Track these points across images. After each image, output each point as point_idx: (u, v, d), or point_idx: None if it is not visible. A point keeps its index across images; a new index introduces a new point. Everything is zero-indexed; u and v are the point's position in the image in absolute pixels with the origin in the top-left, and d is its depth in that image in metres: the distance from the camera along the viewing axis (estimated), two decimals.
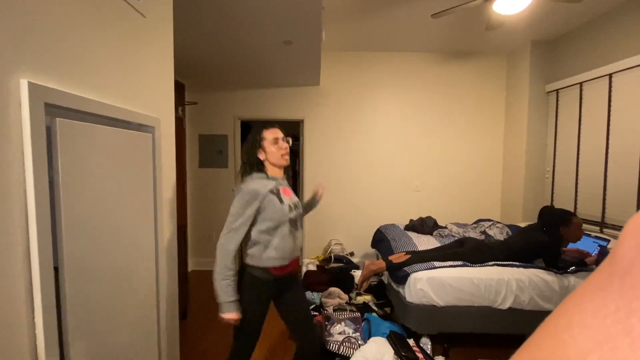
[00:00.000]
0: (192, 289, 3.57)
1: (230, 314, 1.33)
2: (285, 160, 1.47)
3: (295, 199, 1.53)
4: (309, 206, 1.78)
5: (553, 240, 2.39)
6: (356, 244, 4.05)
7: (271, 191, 1.39)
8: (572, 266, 2.38)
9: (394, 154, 4.10)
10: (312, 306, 2.72)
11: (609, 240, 2.65)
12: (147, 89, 1.21)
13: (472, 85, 4.05)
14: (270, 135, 1.45)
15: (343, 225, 4.12)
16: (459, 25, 3.21)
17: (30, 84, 0.71)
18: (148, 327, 1.26)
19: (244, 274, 1.45)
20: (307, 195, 4.02)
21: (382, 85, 4.05)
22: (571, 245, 2.57)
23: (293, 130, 4.50)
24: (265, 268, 1.42)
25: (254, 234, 1.40)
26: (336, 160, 4.10)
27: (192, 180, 4.14)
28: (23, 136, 0.71)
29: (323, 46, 3.37)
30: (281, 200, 1.41)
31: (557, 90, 3.48)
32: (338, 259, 3.69)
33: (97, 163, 0.96)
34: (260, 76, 3.67)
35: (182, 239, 3.24)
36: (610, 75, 2.87)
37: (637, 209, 2.63)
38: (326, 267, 3.51)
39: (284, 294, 1.54)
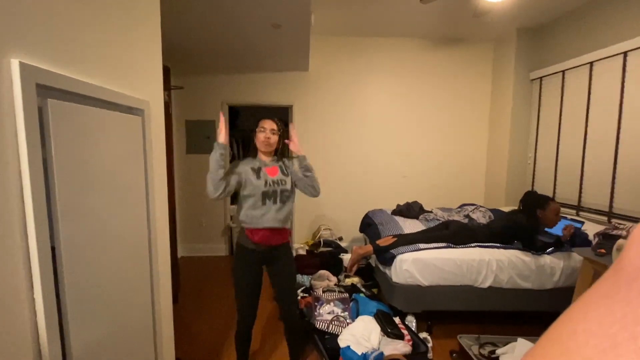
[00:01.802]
0: (182, 274, 3.60)
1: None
2: (264, 147, 1.76)
3: (279, 177, 1.75)
4: (303, 170, 1.80)
5: (529, 223, 2.51)
6: (345, 228, 4.13)
7: (252, 168, 1.72)
8: (550, 247, 2.52)
9: (383, 141, 4.15)
10: (302, 288, 2.79)
11: (583, 222, 2.80)
12: (137, 72, 1.19)
13: (460, 72, 4.10)
14: (261, 124, 1.77)
15: (332, 211, 4.18)
16: (447, 12, 3.23)
17: (22, 64, 0.71)
18: (144, 308, 1.29)
19: (236, 243, 1.79)
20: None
21: (371, 71, 4.06)
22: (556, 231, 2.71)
23: (282, 116, 4.48)
24: (244, 232, 1.72)
25: (239, 199, 1.75)
26: (325, 146, 4.12)
27: (180, 167, 4.10)
28: (16, 117, 0.71)
29: (312, 30, 3.33)
30: (259, 176, 1.71)
31: (540, 78, 3.56)
32: (327, 243, 3.76)
33: (89, 145, 0.96)
34: (248, 60, 3.61)
35: (171, 224, 3.24)
36: (591, 64, 2.96)
37: (611, 194, 2.78)
38: (315, 251, 3.59)
39: (272, 264, 1.79)
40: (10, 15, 0.71)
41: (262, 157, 1.79)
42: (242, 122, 5.05)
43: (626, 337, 0.15)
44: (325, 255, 3.35)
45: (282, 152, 1.83)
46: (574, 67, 3.14)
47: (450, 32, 3.81)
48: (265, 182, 1.69)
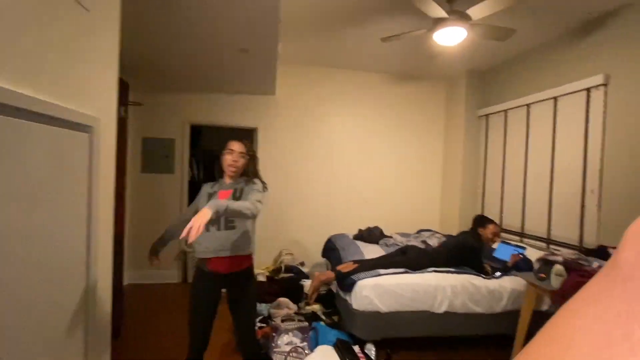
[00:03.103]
0: (128, 304, 3.28)
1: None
2: (230, 171, 1.70)
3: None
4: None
5: (473, 240, 2.80)
6: (307, 253, 4.07)
7: (208, 193, 1.68)
8: (497, 271, 2.68)
9: (346, 166, 4.25)
10: (260, 317, 2.66)
11: (525, 248, 3.03)
12: (87, 86, 1.12)
13: (417, 105, 4.40)
14: (229, 146, 1.73)
15: (294, 235, 4.13)
16: (406, 51, 3.49)
17: None
18: (74, 347, 1.14)
19: (196, 264, 1.72)
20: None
21: (335, 100, 4.21)
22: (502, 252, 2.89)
23: (246, 138, 4.44)
24: (202, 259, 1.65)
25: None
26: (288, 170, 4.13)
27: (133, 186, 3.85)
28: None
29: (280, 57, 3.42)
30: (207, 201, 1.61)
31: (487, 116, 3.93)
32: (288, 269, 3.67)
33: (23, 162, 0.87)
34: (214, 81, 3.59)
35: (118, 249, 2.98)
36: (528, 105, 3.34)
37: (548, 222, 3.06)
38: (276, 277, 3.48)
39: (231, 289, 1.71)
40: None
41: (227, 179, 1.73)
42: (205, 142, 4.91)
43: (621, 335, 0.15)
44: (286, 282, 3.26)
45: (252, 173, 1.74)
46: (514, 108, 3.50)
47: (408, 69, 4.11)
48: None
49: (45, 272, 0.98)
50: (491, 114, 3.84)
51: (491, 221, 2.89)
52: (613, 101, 2.53)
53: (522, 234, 3.35)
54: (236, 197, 1.65)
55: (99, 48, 1.23)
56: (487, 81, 3.99)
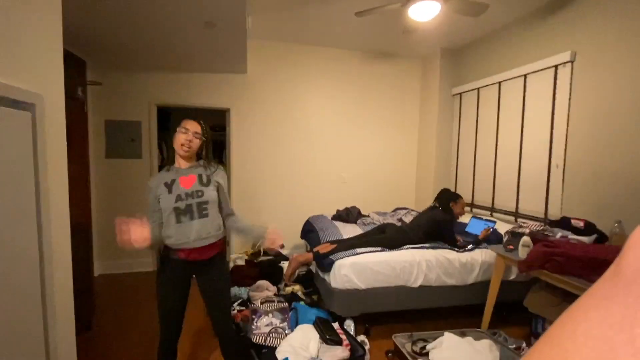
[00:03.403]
0: (100, 295, 3.15)
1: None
2: (183, 151, 1.57)
3: (195, 188, 1.56)
4: (246, 230, 1.77)
5: (447, 214, 2.90)
6: (286, 235, 4.02)
7: (165, 183, 1.55)
8: (470, 244, 2.79)
9: (322, 146, 4.20)
10: (239, 301, 2.65)
11: (495, 222, 3.16)
12: (25, 60, 0.99)
13: (392, 84, 4.37)
14: (184, 124, 1.60)
15: (272, 218, 4.09)
16: (380, 27, 3.42)
17: None
18: (33, 348, 1.06)
19: (161, 252, 1.60)
20: (235, 189, 3.87)
21: (309, 78, 4.10)
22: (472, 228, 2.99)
23: (219, 120, 4.27)
24: (171, 248, 1.55)
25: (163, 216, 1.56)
26: (264, 151, 4.03)
27: (98, 173, 3.63)
28: None
29: (251, 34, 3.25)
30: (170, 190, 1.53)
31: (460, 94, 3.97)
32: (267, 251, 3.65)
33: None
34: (180, 59, 3.37)
35: (84, 239, 2.82)
36: (499, 83, 3.39)
37: (517, 197, 3.19)
38: (255, 261, 3.45)
39: (201, 275, 1.65)
40: None
41: (180, 163, 1.60)
42: (176, 125, 4.66)
43: (624, 340, 0.15)
44: (265, 265, 3.24)
45: (205, 156, 1.66)
46: (486, 86, 3.56)
47: (383, 46, 4.04)
48: (177, 197, 1.51)
49: None
50: (464, 92, 3.89)
51: (459, 195, 3.06)
52: (578, 78, 2.62)
53: (492, 209, 3.49)
54: (203, 183, 1.58)
55: (38, 18, 1.08)
56: (460, 59, 4.01)
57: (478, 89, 3.68)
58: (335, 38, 3.80)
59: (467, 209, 3.77)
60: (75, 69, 3.22)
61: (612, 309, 0.16)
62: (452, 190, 3.54)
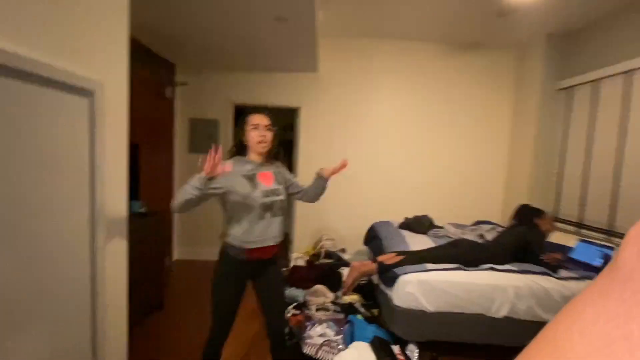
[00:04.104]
0: (175, 278, 3.43)
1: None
2: (261, 147, 1.51)
3: (275, 186, 1.53)
4: (315, 189, 1.71)
5: (534, 232, 2.53)
6: (349, 240, 3.88)
7: (244, 175, 1.46)
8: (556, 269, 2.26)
9: (394, 148, 3.91)
10: (295, 304, 2.56)
11: (613, 248, 2.46)
12: (88, 47, 1.02)
13: (477, 79, 3.83)
14: (252, 120, 1.52)
15: (336, 220, 3.95)
16: (465, 13, 2.99)
17: None
18: (79, 333, 1.09)
19: (221, 252, 1.54)
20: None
21: (383, 75, 3.84)
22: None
23: (289, 118, 4.32)
24: (238, 247, 1.47)
25: (228, 211, 1.49)
26: (332, 152, 3.91)
27: (181, 166, 3.97)
28: None
29: (322, 31, 3.16)
30: (254, 185, 1.46)
31: (569, 88, 3.26)
32: (328, 254, 3.52)
33: (8, 124, 0.78)
34: (254, 58, 3.46)
35: (164, 226, 3.08)
36: (628, 73, 2.66)
37: None
38: (315, 262, 3.35)
39: (260, 276, 1.58)
40: None
41: (255, 157, 1.54)
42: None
43: (620, 336, 0.15)
44: (324, 268, 3.11)
45: (276, 153, 1.61)
46: (608, 76, 2.83)
47: (467, 36, 3.56)
48: (264, 193, 1.47)
49: (44, 250, 0.92)
50: (576, 85, 3.17)
51: (544, 211, 2.72)
52: None
53: (609, 232, 2.75)
54: (279, 181, 1.56)
55: (104, 7, 1.11)
56: (571, 47, 3.29)
57: (596, 80, 2.95)
58: (412, 29, 3.48)
59: (571, 228, 3.07)
60: (165, 70, 3.58)
61: (608, 305, 0.16)
62: (557, 207, 2.92)
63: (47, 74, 0.84)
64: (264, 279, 1.60)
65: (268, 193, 1.48)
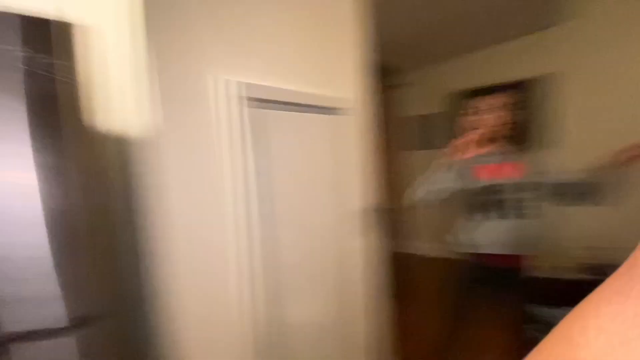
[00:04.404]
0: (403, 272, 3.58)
1: None
2: (494, 132, 1.27)
3: (513, 180, 1.24)
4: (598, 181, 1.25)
5: None
6: (623, 254, 2.64)
7: (465, 168, 1.30)
8: None
9: None
10: (536, 325, 2.07)
11: None
12: (334, 72, 1.30)
13: None
14: (478, 103, 1.30)
15: (611, 228, 2.82)
16: None
17: (226, 80, 0.95)
18: (354, 306, 1.48)
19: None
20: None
21: None
22: None
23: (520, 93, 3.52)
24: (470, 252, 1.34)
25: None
26: (613, 129, 2.81)
27: (413, 163, 4.10)
28: (225, 128, 0.96)
29: None
30: (476, 180, 1.27)
31: None
32: (595, 269, 2.58)
33: (284, 148, 1.17)
34: (478, 31, 3.07)
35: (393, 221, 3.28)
36: None
37: None
38: (565, 277, 2.56)
39: (498, 288, 1.37)
40: (215, 38, 0.95)
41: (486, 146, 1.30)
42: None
43: (637, 336, 0.15)
44: (581, 284, 2.30)
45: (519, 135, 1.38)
46: None
47: None
48: (484, 189, 1.28)
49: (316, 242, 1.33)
50: None
51: None
52: None
53: None
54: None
55: (342, 35, 1.38)
56: None
57: None
58: None
59: None
60: (389, 77, 3.87)
61: (626, 304, 0.16)
62: None
63: (308, 101, 1.19)
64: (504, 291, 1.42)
65: (491, 188, 1.29)
